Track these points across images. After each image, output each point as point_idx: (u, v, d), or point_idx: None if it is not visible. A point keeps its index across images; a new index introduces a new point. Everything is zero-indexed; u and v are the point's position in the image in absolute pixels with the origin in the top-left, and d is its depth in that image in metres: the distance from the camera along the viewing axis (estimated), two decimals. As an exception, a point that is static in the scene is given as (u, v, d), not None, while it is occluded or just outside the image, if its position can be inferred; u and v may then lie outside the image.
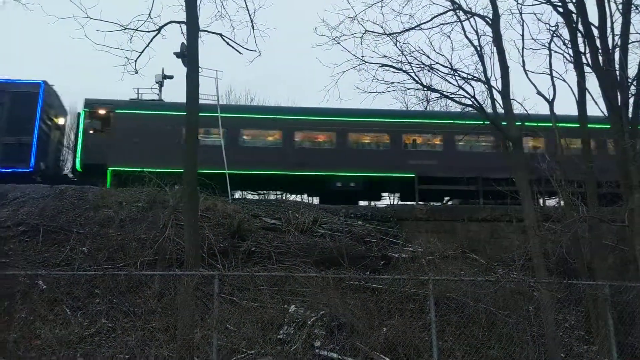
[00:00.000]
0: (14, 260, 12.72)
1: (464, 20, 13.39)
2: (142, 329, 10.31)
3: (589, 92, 13.54)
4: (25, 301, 10.14)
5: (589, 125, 13.60)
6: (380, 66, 13.30)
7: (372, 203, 22.31)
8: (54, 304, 10.97)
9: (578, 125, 13.62)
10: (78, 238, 13.96)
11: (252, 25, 12.36)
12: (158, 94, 24.92)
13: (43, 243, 13.81)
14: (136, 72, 11.82)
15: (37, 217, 14.63)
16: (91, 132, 20.20)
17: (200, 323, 10.48)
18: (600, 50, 12.75)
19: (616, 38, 12.92)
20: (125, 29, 11.45)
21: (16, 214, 14.83)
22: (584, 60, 13.29)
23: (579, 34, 13.30)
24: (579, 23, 13.20)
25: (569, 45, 13.68)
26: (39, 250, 13.55)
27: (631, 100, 12.57)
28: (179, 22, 11.61)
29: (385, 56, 13.53)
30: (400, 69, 13.30)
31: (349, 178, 20.47)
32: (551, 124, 14.19)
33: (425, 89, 13.68)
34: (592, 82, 13.25)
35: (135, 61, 11.65)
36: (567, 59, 13.95)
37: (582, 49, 13.32)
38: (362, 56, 13.32)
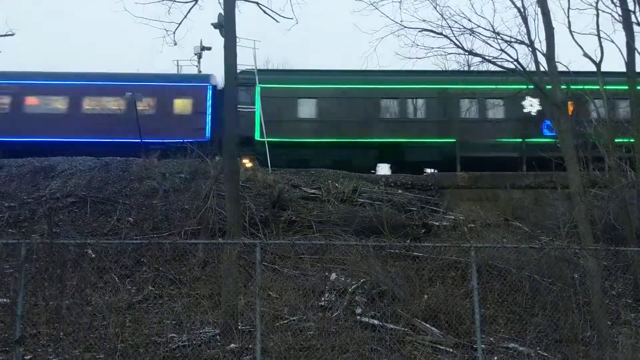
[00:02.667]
0: (65, 230, 13.17)
1: (506, -20, 12.99)
2: (188, 295, 10.57)
3: (639, 53, 13.01)
4: (76, 269, 10.48)
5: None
6: (419, 31, 13.01)
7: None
8: (103, 272, 11.31)
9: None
10: (124, 208, 14.34)
11: (289, -8, 12.25)
12: (197, 66, 25.17)
13: (91, 214, 14.24)
14: (175, 44, 11.95)
15: (85, 189, 15.08)
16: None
17: (243, 290, 10.69)
18: (651, 8, 12.19)
19: (669, -6, 12.34)
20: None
21: (65, 185, 15.31)
22: (634, 19, 12.74)
23: (628, -9, 12.74)
24: (629, -21, 12.63)
25: (617, 4, 13.11)
26: (87, 221, 13.99)
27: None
28: (216, -8, 11.60)
29: (424, 20, 13.23)
30: (441, 34, 12.98)
31: None
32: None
33: (467, 53, 13.30)
34: (643, 42, 12.72)
35: (174, 33, 11.73)
36: (615, 19, 13.39)
37: (631, 7, 12.76)
38: (401, 21, 13.07)
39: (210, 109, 20.70)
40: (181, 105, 20.90)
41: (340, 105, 20.48)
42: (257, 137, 20.05)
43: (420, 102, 21.25)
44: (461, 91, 20.17)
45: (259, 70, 21.30)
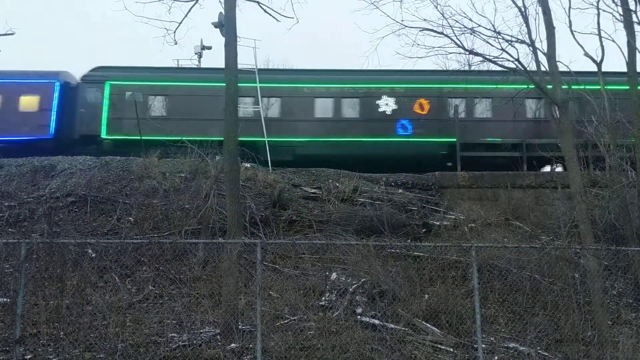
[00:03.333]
0: (65, 230, 13.16)
1: (507, -20, 12.97)
2: (188, 295, 10.57)
3: (639, 52, 12.99)
4: (76, 269, 10.49)
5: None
6: (420, 30, 13.02)
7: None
8: (103, 272, 11.32)
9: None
10: (124, 208, 14.32)
11: (290, -8, 12.26)
12: (197, 65, 25.16)
13: (91, 213, 14.22)
14: (175, 43, 11.89)
15: (85, 188, 15.05)
16: None
17: (244, 290, 10.69)
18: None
19: (670, -6, 12.32)
20: (164, -2, 11.49)
21: (65, 184, 15.29)
22: (635, 19, 12.72)
23: (629, -9, 12.73)
24: (630, -21, 12.62)
25: (619, 3, 13.10)
26: (87, 220, 13.97)
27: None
28: (216, -9, 11.59)
29: (425, 20, 13.24)
30: (441, 33, 12.99)
31: None
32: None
33: (467, 52, 13.30)
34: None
35: (175, 32, 11.70)
36: (616, 18, 13.38)
37: (632, 7, 12.74)
38: (402, 20, 13.09)
39: (57, 106, 20.14)
40: (27, 102, 20.28)
41: (191, 103, 20.11)
42: (103, 134, 19.76)
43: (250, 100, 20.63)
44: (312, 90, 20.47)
45: (108, 67, 21.01)
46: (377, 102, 20.32)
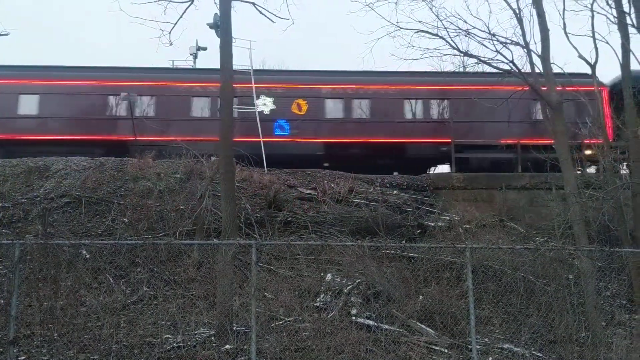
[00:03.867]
0: (59, 231, 13.11)
1: (502, -18, 12.98)
2: (183, 296, 10.55)
3: (633, 54, 13.05)
4: (71, 270, 10.46)
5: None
6: (415, 32, 13.06)
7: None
8: (97, 273, 11.29)
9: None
10: (119, 209, 14.28)
11: (285, -7, 12.26)
12: (192, 66, 25.13)
13: (85, 214, 14.17)
14: (170, 44, 11.85)
15: (79, 189, 15.00)
16: None
17: (238, 291, 10.69)
18: (646, 10, 12.24)
19: (664, -4, 12.38)
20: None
21: (59, 185, 15.23)
22: (629, 21, 12.78)
23: (623, -7, 12.79)
24: (624, -19, 12.67)
25: (613, 5, 13.16)
26: (81, 221, 13.92)
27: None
28: (211, -8, 11.59)
29: (420, 22, 13.33)
30: (436, 35, 13.03)
31: None
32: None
33: (462, 54, 13.34)
34: (638, 44, 12.77)
35: (170, 33, 11.68)
36: (610, 20, 13.42)
37: (626, 9, 12.80)
38: (397, 22, 13.12)
39: None
40: None
41: (64, 102, 19.89)
42: None
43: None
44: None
45: None
46: (255, 102, 20.07)
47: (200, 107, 20.42)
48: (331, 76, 21.13)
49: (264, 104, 20.24)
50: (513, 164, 19.47)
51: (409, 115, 20.77)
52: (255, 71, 20.06)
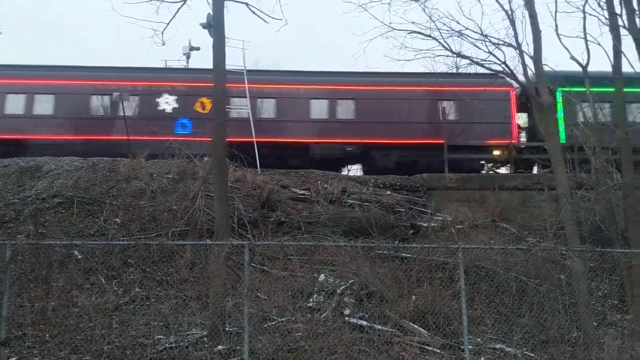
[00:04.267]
0: (51, 231, 13.05)
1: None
2: (175, 297, 10.52)
3: (624, 56, 13.10)
4: (62, 270, 10.43)
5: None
6: (408, 33, 13.05)
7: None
8: (89, 273, 11.25)
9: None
10: (111, 209, 14.23)
11: (278, -7, 12.23)
12: (185, 66, 25.09)
13: (77, 214, 14.11)
14: (163, 44, 11.84)
15: (72, 189, 14.95)
16: None
17: (231, 291, 10.66)
18: (637, 12, 12.29)
19: (655, -2, 12.45)
20: (152, -1, 11.44)
21: (51, 186, 15.17)
22: (620, 22, 12.83)
23: (615, -5, 12.84)
24: (615, -17, 12.73)
25: (604, 7, 13.20)
26: (73, 222, 13.86)
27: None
28: (204, -8, 11.56)
29: (413, 22, 13.34)
30: (429, 36, 13.02)
31: None
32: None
33: (455, 55, 13.37)
34: (629, 45, 12.81)
35: (162, 33, 11.65)
36: (602, 22, 13.46)
37: (618, 11, 12.86)
38: (390, 23, 13.11)
39: None
40: None
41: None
42: None
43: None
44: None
45: None
46: (157, 100, 20.20)
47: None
48: (238, 75, 21.06)
49: (167, 102, 20.15)
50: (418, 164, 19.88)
51: (315, 116, 20.74)
52: (160, 69, 20.16)
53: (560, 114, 19.80)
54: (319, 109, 20.73)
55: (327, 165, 19.44)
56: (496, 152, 20.75)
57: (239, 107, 19.53)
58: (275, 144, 19.89)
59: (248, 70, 19.86)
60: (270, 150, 19.51)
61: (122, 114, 19.51)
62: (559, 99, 19.87)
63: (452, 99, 20.51)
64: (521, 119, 21.34)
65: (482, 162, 21.37)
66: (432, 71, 21.34)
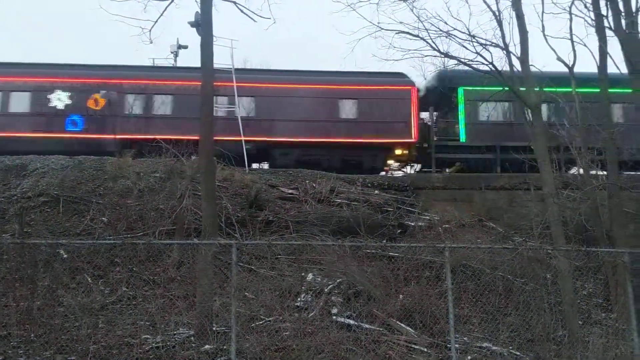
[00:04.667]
0: (36, 230, 12.93)
1: (482, -17, 13.06)
2: (162, 296, 10.48)
3: (610, 57, 13.25)
4: (48, 270, 10.33)
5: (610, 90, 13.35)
6: (396, 33, 13.09)
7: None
8: (75, 273, 11.16)
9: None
10: (98, 208, 14.12)
11: (266, -8, 12.18)
12: (173, 64, 24.99)
13: (64, 213, 14.01)
14: (151, 42, 11.75)
15: (58, 188, 14.81)
16: None
17: (219, 291, 10.63)
18: (622, 13, 12.42)
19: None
20: (139, -4, 11.36)
21: (37, 184, 15.03)
22: (606, 24, 12.97)
23: (601, -4, 12.97)
24: (601, -16, 12.86)
25: (591, 8, 13.33)
26: (59, 220, 13.75)
27: (655, 65, 12.26)
28: (192, -10, 11.51)
29: (401, 22, 13.34)
30: (417, 36, 13.06)
31: None
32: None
33: (443, 55, 13.41)
34: (614, 47, 12.96)
35: (150, 31, 11.58)
36: (588, 23, 13.60)
37: (604, 12, 12.99)
38: (379, 23, 13.14)
39: None
40: None
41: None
42: None
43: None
44: None
45: None
46: (48, 97, 19.74)
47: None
48: (133, 71, 20.59)
49: (58, 99, 19.74)
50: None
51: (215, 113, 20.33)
52: (52, 65, 19.88)
53: (461, 112, 20.44)
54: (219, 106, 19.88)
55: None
56: (397, 152, 20.69)
57: (226, 107, 19.39)
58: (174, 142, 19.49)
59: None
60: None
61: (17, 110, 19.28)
62: (461, 98, 20.38)
63: (352, 97, 20.35)
64: (431, 117, 21.47)
65: (389, 161, 21.34)
66: (334, 70, 21.12)
